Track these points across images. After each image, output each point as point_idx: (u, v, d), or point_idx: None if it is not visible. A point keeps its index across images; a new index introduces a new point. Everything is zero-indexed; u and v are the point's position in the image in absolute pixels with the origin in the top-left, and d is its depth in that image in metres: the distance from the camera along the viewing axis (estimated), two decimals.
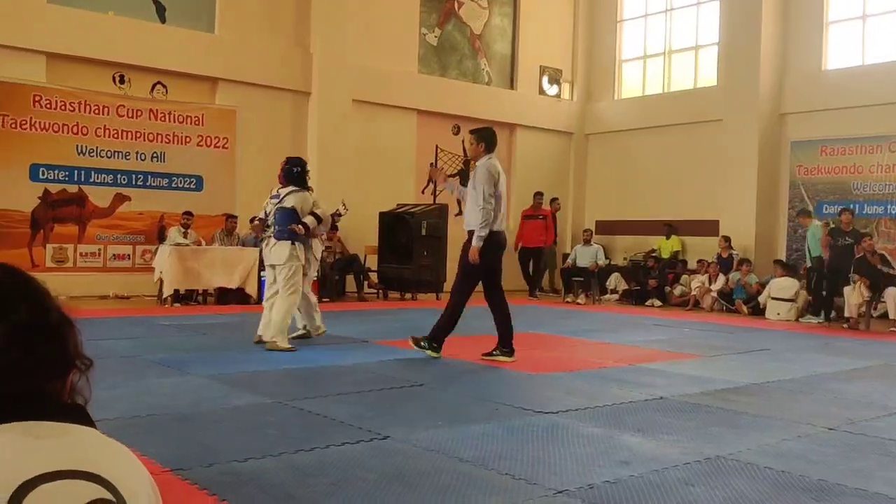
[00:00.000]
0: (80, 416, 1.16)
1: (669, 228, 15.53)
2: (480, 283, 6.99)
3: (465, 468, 3.68)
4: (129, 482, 1.09)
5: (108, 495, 1.06)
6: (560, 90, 17.82)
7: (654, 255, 15.36)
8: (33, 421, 1.09)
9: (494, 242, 6.91)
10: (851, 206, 12.79)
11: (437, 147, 16.11)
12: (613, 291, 15.18)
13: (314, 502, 3.16)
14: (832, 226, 12.41)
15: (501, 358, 6.85)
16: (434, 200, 15.38)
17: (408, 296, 13.66)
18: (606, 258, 15.73)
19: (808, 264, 12.49)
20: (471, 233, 6.85)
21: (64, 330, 1.19)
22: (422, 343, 6.92)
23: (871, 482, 3.65)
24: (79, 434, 1.12)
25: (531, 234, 15.24)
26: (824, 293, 11.73)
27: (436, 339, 6.93)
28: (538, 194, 15.66)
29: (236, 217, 12.47)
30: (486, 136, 7.06)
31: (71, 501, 1.03)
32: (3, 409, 1.09)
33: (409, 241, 13.24)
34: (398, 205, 14.20)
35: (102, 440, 1.14)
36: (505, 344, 6.92)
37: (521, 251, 15.24)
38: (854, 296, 10.91)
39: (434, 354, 6.88)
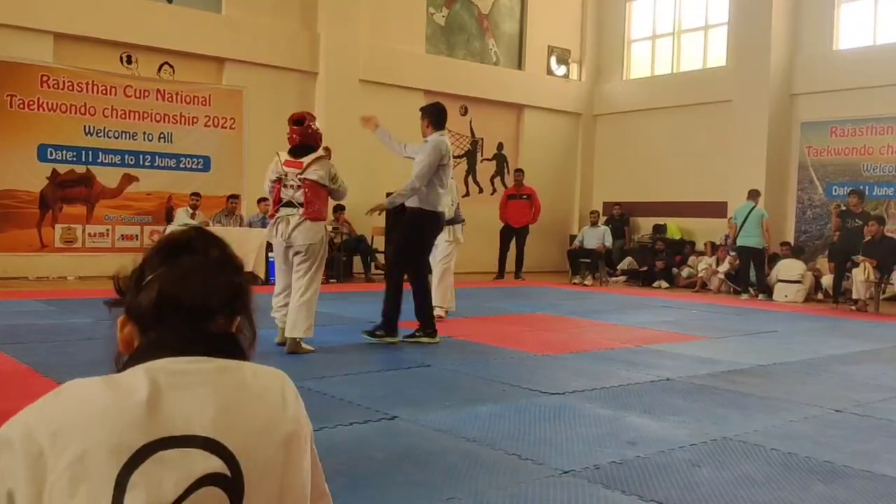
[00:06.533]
0: (235, 349, 1.24)
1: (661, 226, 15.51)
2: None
3: (473, 448, 3.70)
4: (255, 451, 1.13)
5: (223, 470, 1.08)
6: (568, 70, 17.72)
7: (660, 235, 15.34)
8: (183, 358, 1.16)
9: (429, 223, 6.66)
10: (861, 188, 12.73)
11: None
12: (624, 273, 15.11)
13: None
14: (842, 208, 12.36)
15: (425, 339, 6.70)
16: None
17: None
18: (622, 238, 15.73)
19: (737, 244, 12.65)
20: (407, 209, 6.63)
21: (243, 274, 1.32)
22: (377, 332, 6.58)
23: (877, 464, 3.66)
24: (219, 379, 1.17)
25: (517, 214, 14.72)
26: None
27: (390, 324, 6.61)
28: (519, 171, 15.46)
29: (238, 197, 12.48)
30: (432, 112, 6.77)
31: (183, 474, 1.05)
32: (163, 335, 1.19)
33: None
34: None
35: (242, 386, 1.18)
36: (428, 326, 6.73)
37: (506, 230, 14.73)
38: (859, 273, 10.88)
39: (391, 339, 6.58)
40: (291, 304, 6.09)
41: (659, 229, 15.61)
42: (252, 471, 1.10)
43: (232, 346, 1.23)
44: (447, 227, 8.10)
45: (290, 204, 6.15)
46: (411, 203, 6.67)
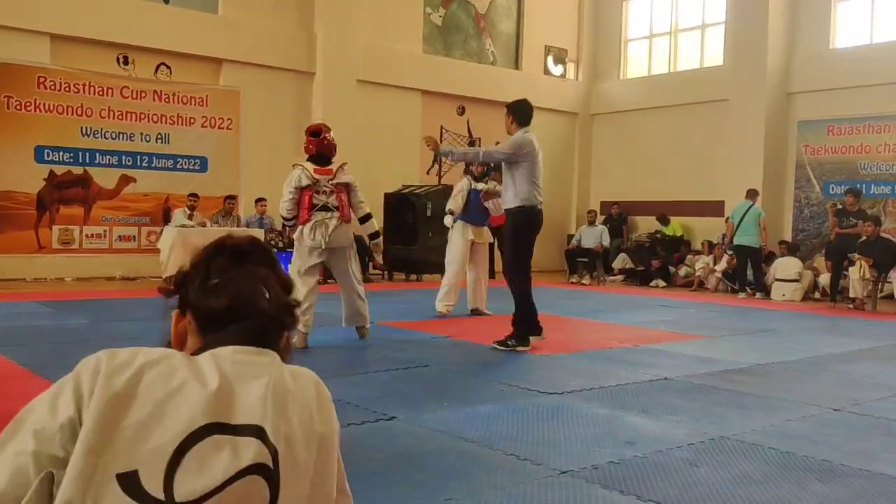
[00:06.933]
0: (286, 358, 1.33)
1: (664, 217, 15.48)
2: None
3: (471, 448, 3.70)
4: (294, 448, 1.19)
5: (269, 461, 1.15)
6: (565, 70, 17.73)
7: (659, 235, 15.36)
8: (247, 348, 1.25)
9: (526, 219, 6.58)
10: (858, 186, 12.74)
11: (441, 128, 16.05)
12: (622, 272, 15.11)
13: None
14: (839, 207, 12.38)
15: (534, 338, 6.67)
16: (439, 181, 15.36)
17: (413, 277, 13.68)
18: (620, 237, 15.74)
19: (734, 243, 12.63)
20: (507, 211, 6.67)
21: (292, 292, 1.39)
22: (508, 342, 6.56)
23: (875, 463, 3.66)
24: (273, 374, 1.24)
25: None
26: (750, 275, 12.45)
27: (523, 333, 6.58)
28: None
29: (235, 197, 12.47)
30: (517, 109, 6.74)
31: (232, 461, 1.12)
32: (227, 336, 1.25)
33: (415, 221, 13.23)
34: (403, 185, 14.19)
35: (293, 391, 1.25)
36: (518, 334, 6.67)
37: (493, 229, 14.74)
38: (855, 272, 10.89)
39: (523, 348, 6.53)
40: (353, 297, 6.73)
41: (663, 221, 15.49)
42: (288, 467, 1.17)
43: (280, 354, 1.31)
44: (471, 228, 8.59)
45: (325, 208, 6.58)
46: (508, 203, 6.62)
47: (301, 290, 6.37)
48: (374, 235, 7.22)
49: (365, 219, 6.92)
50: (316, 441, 1.23)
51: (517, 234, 6.62)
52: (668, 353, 6.72)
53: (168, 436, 1.10)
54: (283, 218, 6.86)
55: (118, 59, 12.29)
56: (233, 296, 1.26)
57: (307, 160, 6.69)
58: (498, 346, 6.57)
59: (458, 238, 8.73)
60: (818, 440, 4.03)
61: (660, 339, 7.53)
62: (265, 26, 13.44)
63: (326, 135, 6.70)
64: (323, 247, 6.54)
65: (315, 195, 6.57)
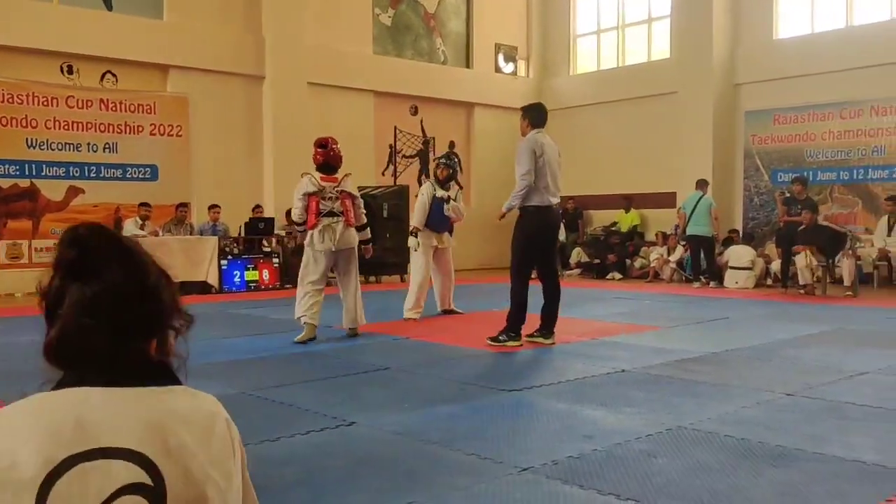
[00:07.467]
0: (163, 375, 1.20)
1: (628, 202, 15.72)
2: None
3: (432, 450, 3.71)
4: (179, 467, 1.11)
5: (146, 480, 1.09)
6: (516, 67, 17.82)
7: (614, 229, 15.52)
8: (107, 388, 1.13)
9: (540, 220, 6.73)
10: (805, 174, 13.01)
11: (395, 128, 16.05)
12: (579, 265, 15.25)
13: (282, 493, 3.16)
14: (786, 195, 12.64)
15: (540, 339, 6.77)
16: (395, 182, 15.36)
17: (371, 279, 13.64)
18: (576, 232, 15.88)
19: (687, 233, 12.84)
20: (520, 210, 6.79)
21: (159, 291, 1.21)
22: (500, 337, 6.66)
23: (828, 446, 3.75)
24: (143, 402, 1.14)
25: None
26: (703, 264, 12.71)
27: (512, 328, 6.68)
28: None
29: (187, 205, 12.31)
30: (529, 112, 7.00)
31: (105, 484, 1.07)
32: (81, 370, 1.14)
33: (371, 223, 13.14)
34: (358, 187, 14.04)
35: (167, 408, 1.15)
36: (545, 327, 6.80)
37: None
38: (801, 259, 11.12)
39: (514, 343, 6.62)
40: (352, 299, 7.24)
41: (627, 208, 15.70)
42: (177, 486, 1.11)
43: (156, 372, 1.19)
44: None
45: (331, 213, 7.11)
46: (522, 203, 6.74)
47: (307, 297, 7.05)
48: (365, 241, 7.60)
49: (362, 228, 7.42)
50: (208, 461, 1.15)
51: (526, 235, 6.72)
52: (625, 345, 6.80)
53: (28, 475, 1.05)
54: (295, 223, 7.55)
55: (62, 69, 12.07)
56: (62, 338, 1.14)
57: (315, 170, 7.23)
58: (491, 342, 6.66)
59: (422, 246, 8.71)
60: (772, 426, 4.11)
61: (617, 331, 7.62)
62: (212, 31, 13.29)
63: (333, 147, 7.24)
64: (333, 249, 7.08)
65: (322, 201, 7.10)
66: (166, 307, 1.21)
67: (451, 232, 9.04)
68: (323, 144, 7.29)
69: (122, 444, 1.09)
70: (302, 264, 7.27)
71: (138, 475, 1.09)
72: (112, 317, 1.14)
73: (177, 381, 1.21)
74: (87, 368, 1.15)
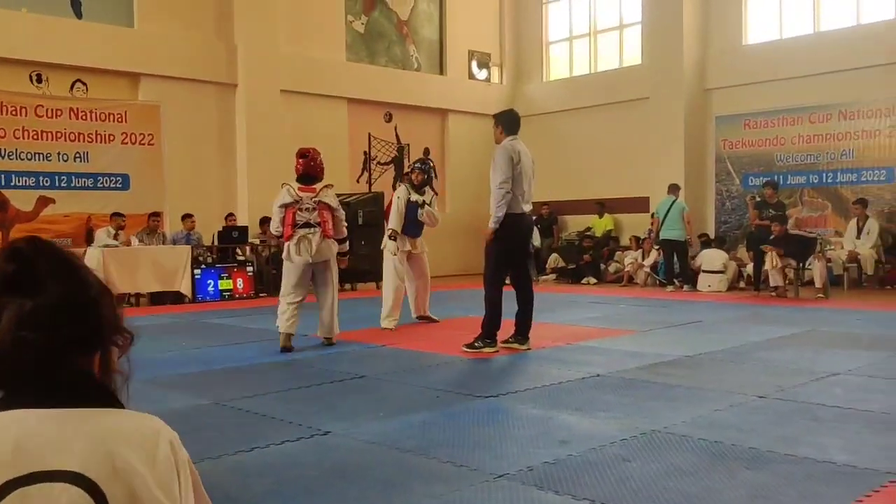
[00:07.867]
0: (104, 396, 1.17)
1: (602, 207, 15.83)
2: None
3: (408, 458, 3.70)
4: (123, 488, 1.09)
5: (88, 502, 1.06)
6: (489, 74, 17.88)
7: (588, 234, 15.60)
8: (43, 409, 1.11)
9: (514, 226, 6.75)
10: (776, 178, 13.17)
11: (369, 135, 16.03)
12: (554, 270, 15.30)
13: (256, 503, 3.14)
14: (757, 199, 12.78)
15: (516, 345, 6.78)
16: (370, 189, 15.33)
17: (347, 286, 13.58)
18: (550, 237, 15.94)
19: (661, 237, 12.95)
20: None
21: (100, 306, 1.18)
22: (476, 344, 6.66)
23: (800, 447, 3.78)
24: (84, 423, 1.12)
25: None
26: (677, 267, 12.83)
27: (487, 335, 6.68)
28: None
29: (160, 214, 12.19)
30: (502, 119, 7.00)
31: None
32: (17, 389, 1.11)
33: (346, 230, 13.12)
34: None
35: (109, 428, 1.13)
36: (520, 332, 6.83)
37: None
38: (768, 262, 11.23)
39: (490, 350, 6.62)
40: (327, 311, 7.14)
41: (601, 212, 15.75)
42: (119, 499, 1.09)
43: (96, 393, 1.17)
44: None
45: (307, 224, 7.00)
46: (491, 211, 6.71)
47: (293, 296, 7.01)
48: (343, 253, 7.49)
49: (342, 241, 7.34)
50: (153, 482, 1.13)
51: (500, 242, 6.72)
52: (599, 349, 6.83)
53: None
54: (275, 235, 7.54)
55: (31, 78, 11.94)
56: None
57: (295, 180, 7.14)
58: (466, 349, 6.65)
59: (394, 251, 8.63)
60: (745, 428, 4.15)
61: (591, 335, 7.65)
62: (183, 39, 13.21)
63: (315, 157, 7.18)
64: (310, 261, 6.99)
65: (298, 212, 7.00)
66: (107, 322, 1.19)
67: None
68: (304, 154, 7.21)
69: (64, 467, 1.07)
70: (283, 277, 7.24)
71: (82, 498, 1.06)
72: (51, 330, 1.11)
73: (118, 404, 1.19)
74: (24, 388, 1.12)
